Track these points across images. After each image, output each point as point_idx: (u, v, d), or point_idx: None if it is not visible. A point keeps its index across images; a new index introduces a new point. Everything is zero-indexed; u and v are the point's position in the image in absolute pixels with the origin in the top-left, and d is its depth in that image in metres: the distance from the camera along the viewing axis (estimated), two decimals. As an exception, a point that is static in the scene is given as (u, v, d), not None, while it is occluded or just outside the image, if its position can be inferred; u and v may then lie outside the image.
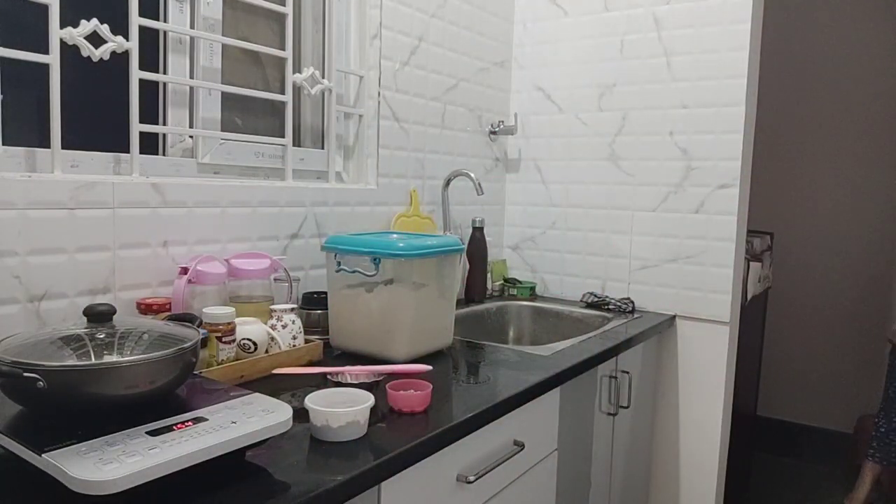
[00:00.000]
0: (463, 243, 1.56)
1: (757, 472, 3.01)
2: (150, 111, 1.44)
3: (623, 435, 1.87)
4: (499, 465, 1.19)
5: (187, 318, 1.13)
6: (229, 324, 1.17)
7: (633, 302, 2.06)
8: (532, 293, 2.25)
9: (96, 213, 1.20)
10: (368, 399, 0.99)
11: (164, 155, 1.47)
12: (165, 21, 1.44)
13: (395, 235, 1.55)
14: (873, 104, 3.12)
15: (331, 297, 1.43)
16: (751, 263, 2.23)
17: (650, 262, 2.07)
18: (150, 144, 1.43)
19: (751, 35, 1.86)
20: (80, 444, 0.73)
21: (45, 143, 1.20)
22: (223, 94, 1.56)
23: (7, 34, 1.15)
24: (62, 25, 1.19)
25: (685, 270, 2.00)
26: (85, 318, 0.89)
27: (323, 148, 1.82)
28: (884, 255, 3.14)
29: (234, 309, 1.19)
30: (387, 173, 1.87)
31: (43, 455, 0.70)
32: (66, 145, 1.21)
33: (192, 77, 1.50)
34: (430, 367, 1.20)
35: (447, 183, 2.04)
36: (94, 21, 1.24)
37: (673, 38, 1.98)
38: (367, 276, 1.35)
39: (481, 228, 2.09)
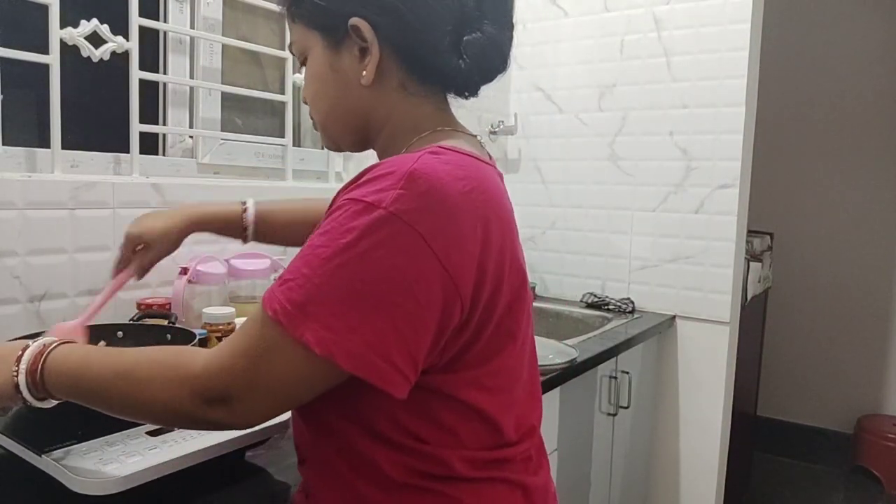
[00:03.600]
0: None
1: (757, 472, 3.01)
2: (150, 111, 1.44)
3: (623, 435, 1.87)
4: (499, 465, 1.19)
5: (160, 315, 1.12)
6: (229, 324, 1.17)
7: (633, 302, 2.06)
8: (532, 293, 2.24)
9: (96, 213, 1.20)
10: (368, 399, 0.98)
11: (164, 155, 1.47)
12: (165, 21, 1.44)
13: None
14: (874, 104, 3.12)
15: (331, 297, 1.43)
16: (751, 263, 2.23)
17: (650, 262, 2.07)
18: (150, 144, 1.43)
19: (751, 35, 1.86)
20: (80, 444, 0.73)
21: (45, 143, 1.20)
22: (223, 94, 1.56)
23: (7, 34, 1.15)
24: (62, 25, 1.19)
25: (685, 270, 2.00)
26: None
27: (323, 148, 1.82)
28: (884, 254, 3.13)
29: (234, 309, 1.19)
30: (387, 173, 1.87)
31: (43, 455, 0.70)
32: (66, 145, 1.21)
33: (192, 77, 1.50)
34: None
35: (447, 183, 2.04)
36: (94, 21, 1.24)
37: (673, 38, 1.98)
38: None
39: (481, 228, 2.09)
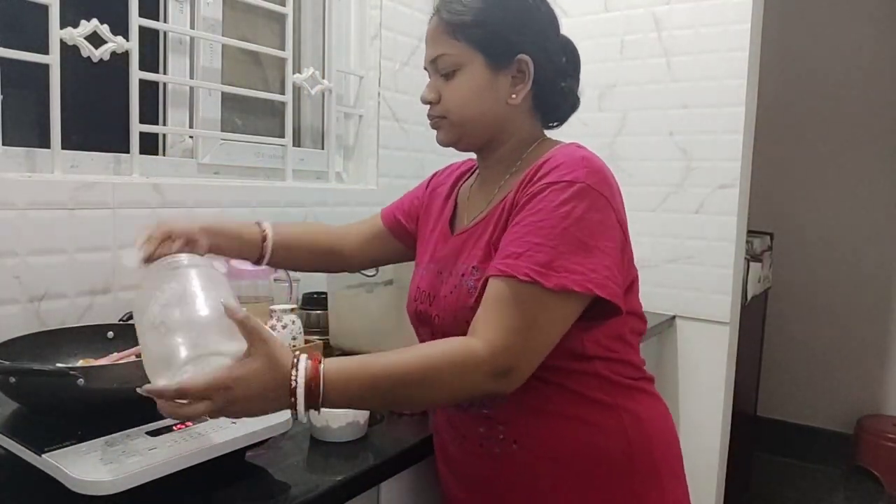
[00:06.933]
0: (463, 243, 1.56)
1: (757, 472, 3.01)
2: (150, 111, 1.44)
3: (623, 435, 1.86)
4: (499, 465, 1.19)
5: None
6: (229, 324, 1.17)
7: (633, 302, 2.05)
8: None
9: (96, 213, 1.20)
10: (368, 399, 0.98)
11: (164, 155, 1.47)
12: (165, 21, 1.44)
13: (395, 235, 1.54)
14: (874, 104, 3.12)
15: (331, 298, 1.43)
16: (751, 263, 2.23)
17: (650, 262, 2.06)
18: (150, 145, 1.43)
19: (751, 35, 1.86)
20: (80, 444, 0.73)
21: (45, 143, 1.20)
22: (223, 94, 1.56)
23: (7, 34, 1.15)
24: (62, 26, 1.19)
25: (685, 270, 2.00)
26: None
27: (323, 148, 1.82)
28: (884, 254, 3.13)
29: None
30: (387, 173, 1.87)
31: (43, 455, 0.70)
32: (66, 145, 1.21)
33: (192, 77, 1.50)
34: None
35: (447, 183, 2.04)
36: (94, 21, 1.24)
37: (673, 38, 1.98)
38: (367, 276, 1.34)
39: (481, 228, 2.09)
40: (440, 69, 0.91)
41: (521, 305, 0.75)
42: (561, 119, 0.99)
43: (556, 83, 0.93)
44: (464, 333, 0.80)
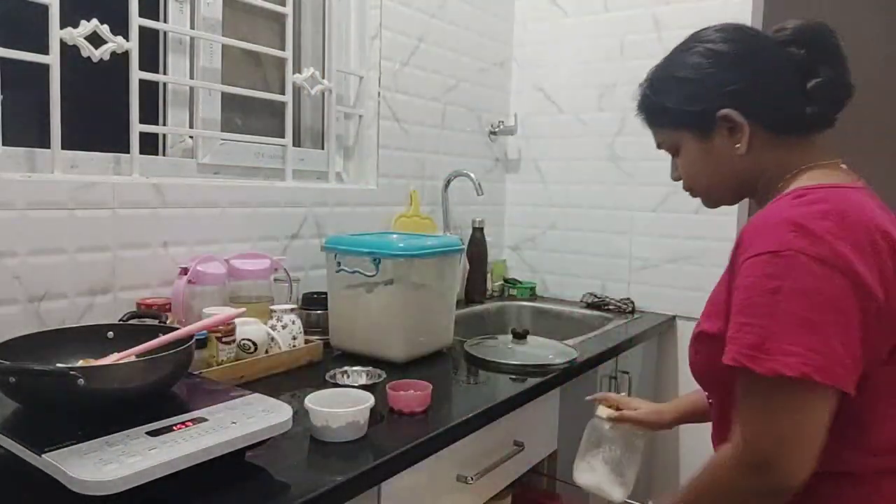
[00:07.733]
0: (463, 243, 1.56)
1: (757, 472, 3.00)
2: (151, 111, 1.44)
3: (623, 435, 1.86)
4: (499, 465, 1.19)
5: (151, 315, 1.12)
6: (229, 324, 1.17)
7: (633, 302, 2.06)
8: (532, 293, 2.25)
9: (96, 213, 1.20)
10: (368, 399, 0.99)
11: (164, 155, 1.47)
12: (165, 21, 1.44)
13: (394, 236, 1.54)
14: (875, 103, 3.12)
15: (331, 298, 1.43)
16: (751, 263, 2.23)
17: (650, 262, 2.07)
18: (150, 145, 1.43)
19: (751, 35, 1.85)
20: (80, 444, 0.73)
21: (45, 143, 1.20)
22: (223, 94, 1.56)
23: (7, 34, 1.15)
24: (62, 26, 1.19)
25: (685, 270, 2.00)
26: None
27: (323, 148, 1.82)
28: (884, 255, 3.13)
29: (234, 309, 1.19)
30: (387, 173, 1.87)
31: (43, 455, 0.70)
32: (66, 145, 1.21)
33: (192, 77, 1.50)
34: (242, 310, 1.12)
35: (447, 183, 2.04)
36: (94, 21, 1.24)
37: (673, 38, 1.96)
38: (367, 276, 1.35)
39: (481, 229, 2.09)
40: (669, 152, 0.96)
41: (751, 394, 0.74)
42: (822, 123, 0.89)
43: (787, 97, 0.86)
44: (713, 396, 0.90)
